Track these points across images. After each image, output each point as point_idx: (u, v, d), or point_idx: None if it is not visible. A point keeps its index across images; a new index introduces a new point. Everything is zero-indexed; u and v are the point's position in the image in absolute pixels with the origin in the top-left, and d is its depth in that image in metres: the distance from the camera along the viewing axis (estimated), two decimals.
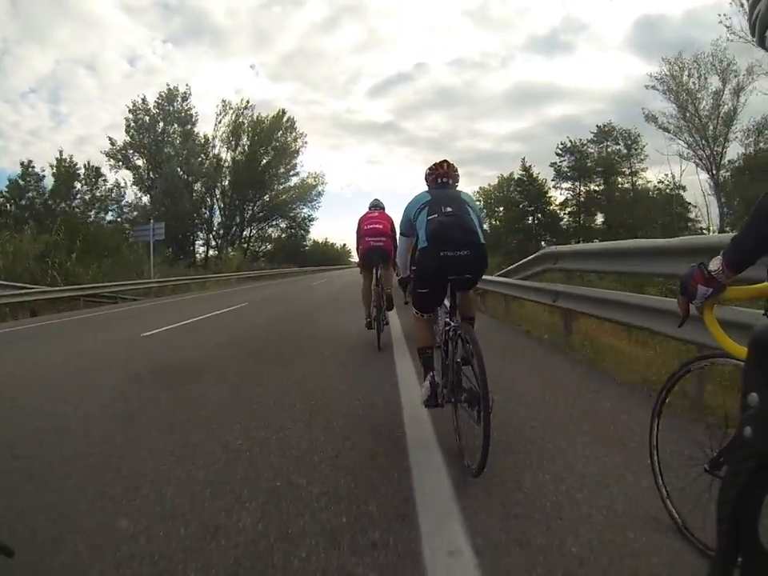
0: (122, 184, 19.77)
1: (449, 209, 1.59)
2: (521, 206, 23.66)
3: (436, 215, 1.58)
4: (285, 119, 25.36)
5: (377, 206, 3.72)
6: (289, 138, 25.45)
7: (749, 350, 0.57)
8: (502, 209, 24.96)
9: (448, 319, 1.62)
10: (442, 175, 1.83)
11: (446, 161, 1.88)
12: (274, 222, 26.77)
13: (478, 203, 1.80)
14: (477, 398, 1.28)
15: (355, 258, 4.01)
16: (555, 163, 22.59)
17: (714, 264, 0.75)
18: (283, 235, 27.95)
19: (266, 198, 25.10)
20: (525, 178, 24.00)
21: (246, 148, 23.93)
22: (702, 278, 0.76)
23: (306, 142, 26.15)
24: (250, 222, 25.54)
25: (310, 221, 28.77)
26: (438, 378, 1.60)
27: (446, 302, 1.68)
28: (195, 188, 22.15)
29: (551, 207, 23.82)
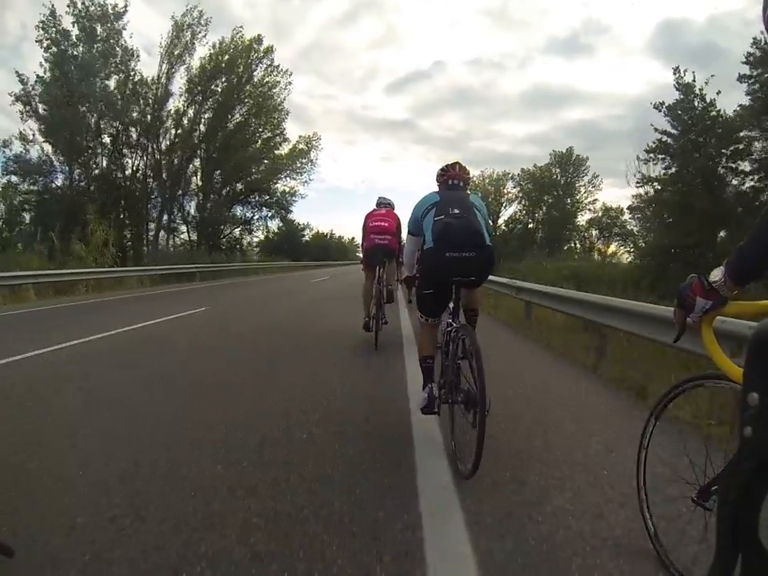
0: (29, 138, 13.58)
1: (456, 210, 1.66)
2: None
3: (443, 216, 1.64)
4: (262, 48, 17.33)
5: (384, 203, 3.81)
6: (270, 82, 18.17)
7: (749, 350, 0.59)
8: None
9: (450, 320, 1.68)
10: (453, 177, 1.91)
11: (458, 162, 1.96)
12: (254, 202, 20.99)
13: (484, 203, 1.87)
14: (474, 400, 1.33)
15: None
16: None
17: (716, 275, 0.71)
18: (264, 217, 22.04)
19: (247, 173, 19.07)
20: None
21: (208, 96, 16.56)
22: (701, 290, 0.72)
23: (289, 83, 18.71)
24: (226, 203, 19.27)
25: (291, 196, 22.09)
26: (436, 390, 1.67)
27: (450, 304, 1.74)
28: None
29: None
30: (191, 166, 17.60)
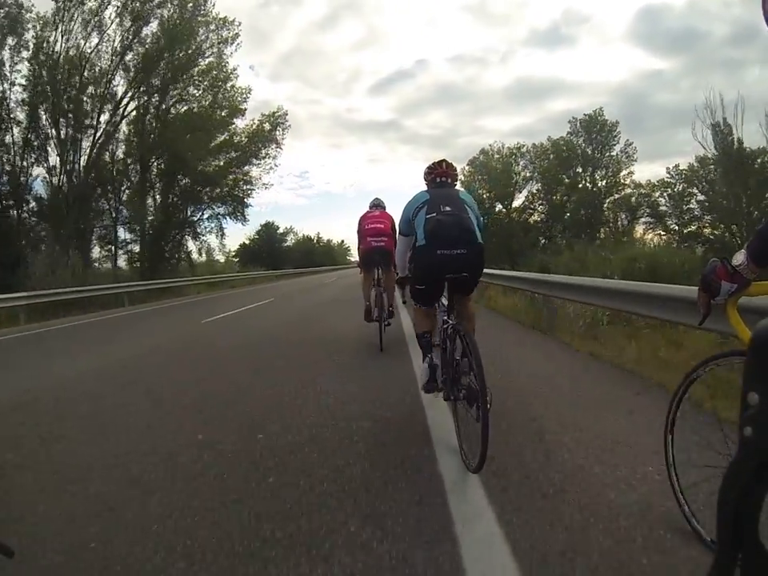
0: None
1: (447, 208, 1.76)
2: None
3: (435, 214, 1.74)
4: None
5: (378, 205, 3.98)
6: (214, 40, 14.18)
7: (749, 349, 0.63)
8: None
9: (446, 317, 1.78)
10: (440, 174, 2.01)
11: (444, 160, 2.06)
12: (206, 198, 16.76)
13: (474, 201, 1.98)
14: (475, 395, 1.41)
15: (355, 257, 4.41)
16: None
17: (738, 258, 0.76)
18: (216, 216, 17.21)
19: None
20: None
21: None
22: (725, 274, 0.78)
23: (237, 34, 14.68)
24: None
25: (247, 184, 17.33)
26: (437, 359, 1.84)
27: (444, 300, 1.85)
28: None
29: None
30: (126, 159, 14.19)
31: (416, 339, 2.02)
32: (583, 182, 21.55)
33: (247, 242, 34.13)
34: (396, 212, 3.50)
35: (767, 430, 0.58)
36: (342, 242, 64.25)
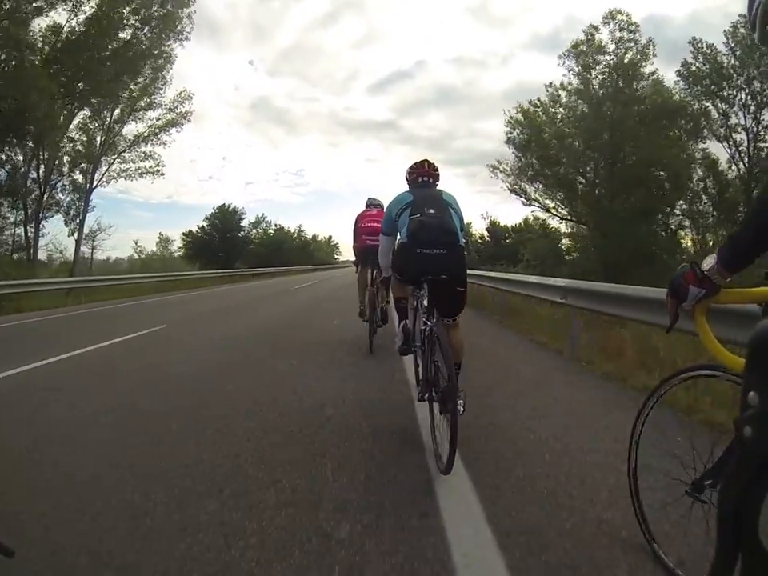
0: None
1: (431, 210, 1.91)
2: None
3: (418, 215, 1.89)
4: None
5: (374, 204, 4.27)
6: None
7: (749, 349, 0.68)
8: None
9: (425, 319, 1.88)
10: (422, 174, 2.17)
11: (426, 160, 2.25)
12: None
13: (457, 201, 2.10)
14: (449, 397, 1.53)
15: (345, 256, 4.38)
16: None
17: (708, 263, 0.80)
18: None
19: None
20: None
21: None
22: (693, 278, 0.81)
23: None
24: None
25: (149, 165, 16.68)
26: (410, 324, 2.13)
27: (424, 302, 1.94)
28: None
29: None
30: None
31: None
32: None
33: (195, 229, 29.41)
34: None
35: (767, 430, 0.63)
36: (330, 238, 62.81)
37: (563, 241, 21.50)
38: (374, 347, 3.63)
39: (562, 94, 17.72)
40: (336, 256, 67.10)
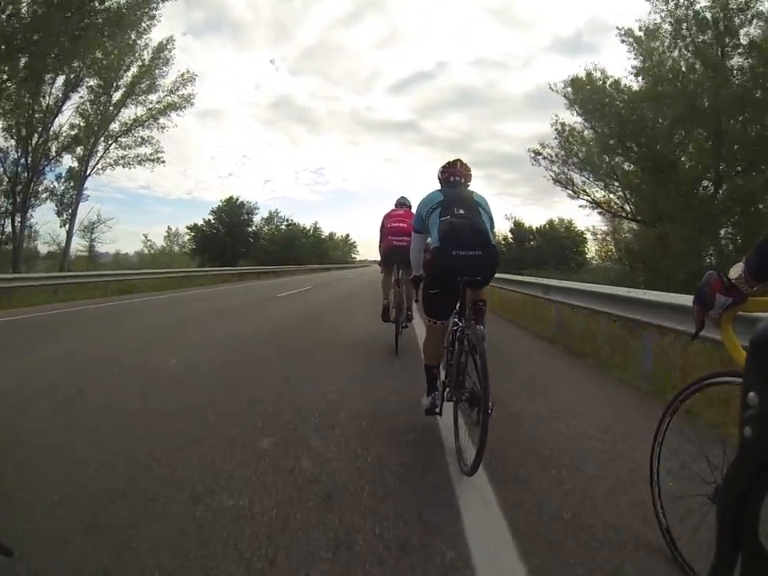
0: None
1: (461, 210, 2.02)
2: None
3: (448, 217, 2.00)
4: None
5: (403, 203, 4.46)
6: None
7: (749, 350, 0.73)
8: None
9: (456, 319, 2.02)
10: (454, 174, 2.28)
11: (459, 160, 2.34)
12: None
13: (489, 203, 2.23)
14: (478, 399, 1.64)
15: (363, 255, 4.38)
16: None
17: (736, 271, 0.84)
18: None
19: None
20: None
21: None
22: (720, 286, 0.85)
23: None
24: None
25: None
26: (439, 399, 2.07)
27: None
28: None
29: None
30: None
31: (424, 367, 2.17)
32: None
33: (201, 222, 29.08)
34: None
35: (767, 430, 0.67)
36: (347, 236, 63.94)
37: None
38: (398, 349, 3.82)
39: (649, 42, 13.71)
40: (353, 255, 68.37)
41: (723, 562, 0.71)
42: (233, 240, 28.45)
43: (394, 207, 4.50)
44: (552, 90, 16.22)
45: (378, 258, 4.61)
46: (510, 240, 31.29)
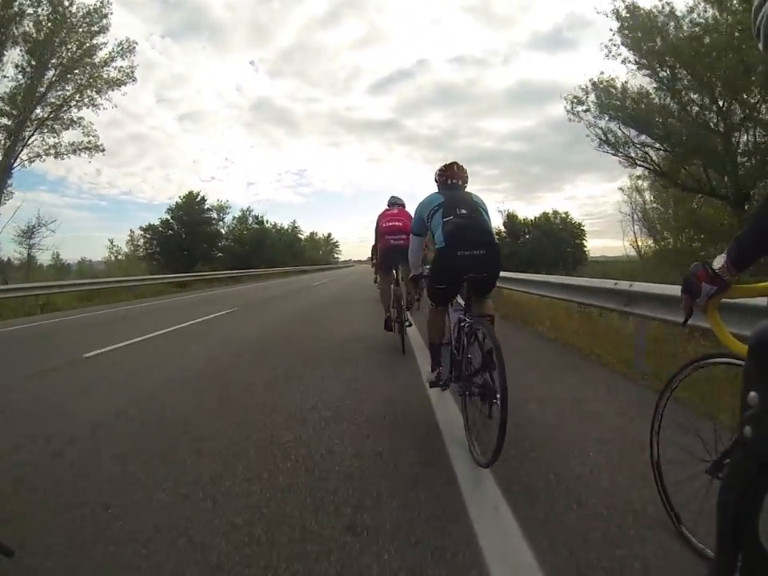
0: None
1: (463, 211, 2.30)
2: None
3: (452, 217, 2.28)
4: None
5: (396, 203, 4.84)
6: None
7: (749, 350, 0.84)
8: None
9: (462, 315, 2.30)
10: (451, 176, 2.57)
11: (455, 162, 2.62)
12: None
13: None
14: (491, 393, 1.89)
15: (346, 255, 4.95)
16: None
17: (719, 262, 1.03)
18: None
19: None
20: None
21: None
22: (706, 276, 1.05)
23: None
24: None
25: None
26: (445, 373, 2.42)
27: (460, 300, 2.39)
28: None
29: None
30: None
31: (429, 346, 2.59)
32: None
33: (157, 222, 28.04)
34: (410, 209, 4.77)
35: (767, 430, 0.76)
36: (329, 235, 67.06)
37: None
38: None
39: None
40: (336, 255, 70.92)
41: (723, 562, 0.79)
42: (193, 241, 27.72)
43: (387, 207, 4.84)
44: (598, 13, 13.94)
45: (366, 258, 4.96)
46: (504, 234, 31.87)
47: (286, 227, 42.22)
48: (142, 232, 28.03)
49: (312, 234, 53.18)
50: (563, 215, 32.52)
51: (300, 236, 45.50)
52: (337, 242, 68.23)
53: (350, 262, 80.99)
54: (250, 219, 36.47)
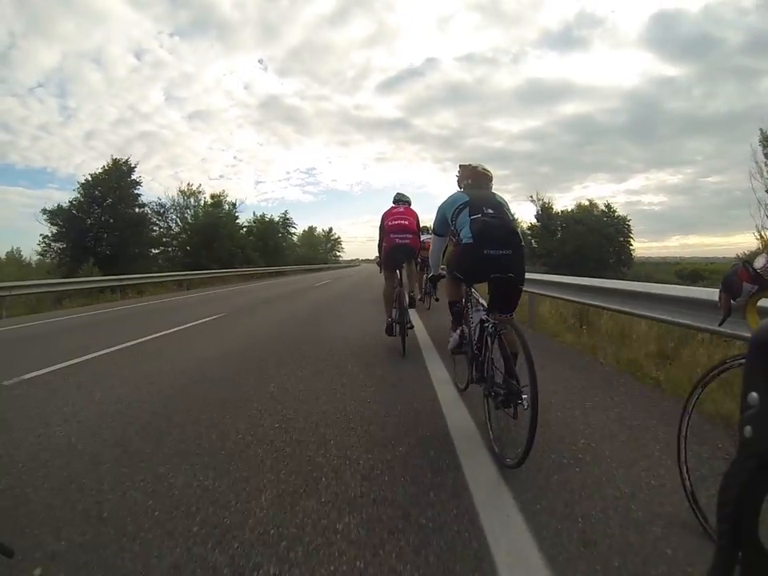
0: None
1: (490, 210, 2.86)
2: None
3: (479, 215, 2.83)
4: None
5: (401, 200, 5.71)
6: None
7: (749, 349, 1.02)
8: None
9: (485, 315, 2.82)
10: (474, 176, 3.21)
11: (480, 165, 3.25)
12: None
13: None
14: (516, 394, 2.39)
15: (351, 254, 6.43)
16: None
17: (760, 261, 1.26)
18: None
19: None
20: None
21: None
22: (747, 276, 1.27)
23: None
24: None
25: None
26: (467, 331, 3.13)
27: (482, 301, 2.99)
28: None
29: None
30: None
31: (449, 308, 3.35)
32: None
33: (66, 204, 25.39)
34: (419, 209, 5.91)
35: (767, 430, 0.93)
36: (330, 231, 77.20)
37: None
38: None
39: None
40: (338, 253, 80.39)
41: (723, 562, 0.96)
42: (107, 230, 25.42)
43: (392, 204, 5.64)
44: None
45: (374, 257, 5.87)
46: (537, 228, 31.72)
47: (269, 217, 44.31)
48: (47, 218, 25.03)
49: (311, 228, 56.01)
50: (605, 208, 32.77)
51: (291, 228, 48.32)
52: (339, 238, 76.17)
53: (357, 261, 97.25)
54: (202, 201, 35.91)
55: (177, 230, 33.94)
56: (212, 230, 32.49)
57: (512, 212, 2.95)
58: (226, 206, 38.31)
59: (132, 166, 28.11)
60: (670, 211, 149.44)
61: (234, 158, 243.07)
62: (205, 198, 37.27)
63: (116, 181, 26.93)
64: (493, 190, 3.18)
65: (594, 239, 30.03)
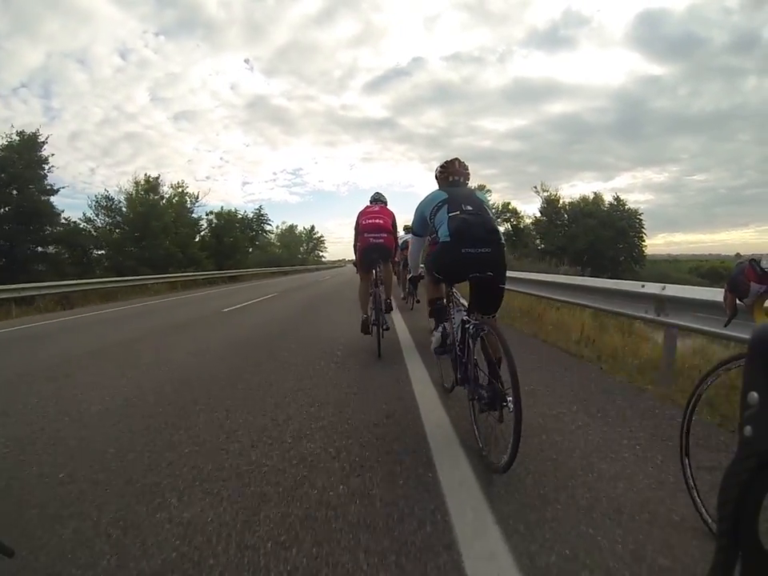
0: None
1: (469, 207, 3.10)
2: None
3: (458, 212, 3.07)
4: None
5: (378, 200, 6.26)
6: None
7: (749, 349, 1.12)
8: None
9: (466, 316, 3.04)
10: (453, 173, 3.49)
11: (456, 159, 3.56)
12: None
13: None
14: (500, 397, 2.54)
15: (336, 255, 7.48)
16: None
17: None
18: None
19: None
20: None
21: None
22: (754, 275, 1.39)
23: None
24: None
25: None
26: (449, 328, 3.37)
27: (464, 301, 3.23)
28: None
29: None
30: None
31: (428, 308, 3.61)
32: None
33: None
34: (396, 210, 6.43)
35: (767, 430, 1.03)
36: (312, 229, 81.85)
37: None
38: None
39: None
40: (320, 253, 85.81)
41: (723, 562, 1.07)
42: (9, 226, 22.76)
43: (368, 204, 6.13)
44: None
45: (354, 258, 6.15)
46: (542, 221, 31.72)
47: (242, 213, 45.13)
48: None
49: (290, 226, 58.71)
50: (613, 201, 32.83)
51: (266, 225, 49.49)
52: (321, 237, 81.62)
53: (343, 262, 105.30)
54: (176, 196, 34.74)
55: (101, 224, 31.38)
56: (142, 223, 30.06)
57: (491, 209, 3.18)
58: (188, 199, 37.78)
59: (41, 140, 26.16)
60: (657, 209, 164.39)
61: (221, 158, 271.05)
62: (163, 190, 35.84)
63: (18, 158, 25.35)
64: (475, 189, 3.54)
65: (607, 234, 30.18)
